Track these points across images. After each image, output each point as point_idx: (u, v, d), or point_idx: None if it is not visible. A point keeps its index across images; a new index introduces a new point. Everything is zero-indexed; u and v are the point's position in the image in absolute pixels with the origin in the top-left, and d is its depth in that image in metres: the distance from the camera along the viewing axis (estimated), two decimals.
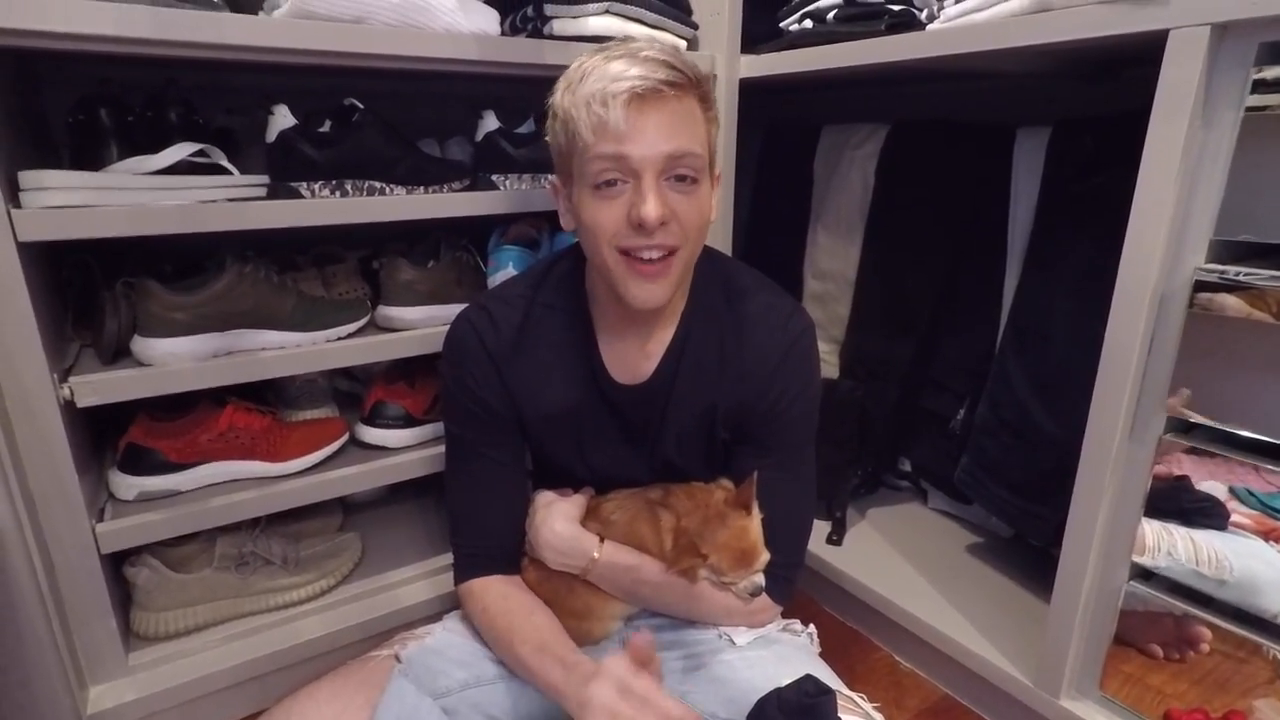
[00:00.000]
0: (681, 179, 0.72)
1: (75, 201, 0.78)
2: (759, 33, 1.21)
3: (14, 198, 0.76)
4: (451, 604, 1.01)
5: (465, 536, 0.89)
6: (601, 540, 0.84)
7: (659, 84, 0.69)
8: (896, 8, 1.01)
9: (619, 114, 0.69)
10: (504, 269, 1.07)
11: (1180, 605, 0.83)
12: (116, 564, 0.95)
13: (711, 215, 0.79)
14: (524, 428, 0.87)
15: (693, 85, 0.72)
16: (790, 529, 0.86)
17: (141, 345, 0.88)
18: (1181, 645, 0.88)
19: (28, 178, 0.76)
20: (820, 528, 1.28)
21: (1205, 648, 0.85)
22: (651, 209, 0.70)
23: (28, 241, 0.75)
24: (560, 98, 0.74)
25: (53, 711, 0.84)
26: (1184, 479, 0.85)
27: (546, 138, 0.79)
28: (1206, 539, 0.84)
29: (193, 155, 0.87)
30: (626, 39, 0.84)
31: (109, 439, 1.01)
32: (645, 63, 0.70)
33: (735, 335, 0.84)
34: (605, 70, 0.70)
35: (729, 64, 1.15)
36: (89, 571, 0.87)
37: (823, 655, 0.87)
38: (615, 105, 0.68)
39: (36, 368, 0.78)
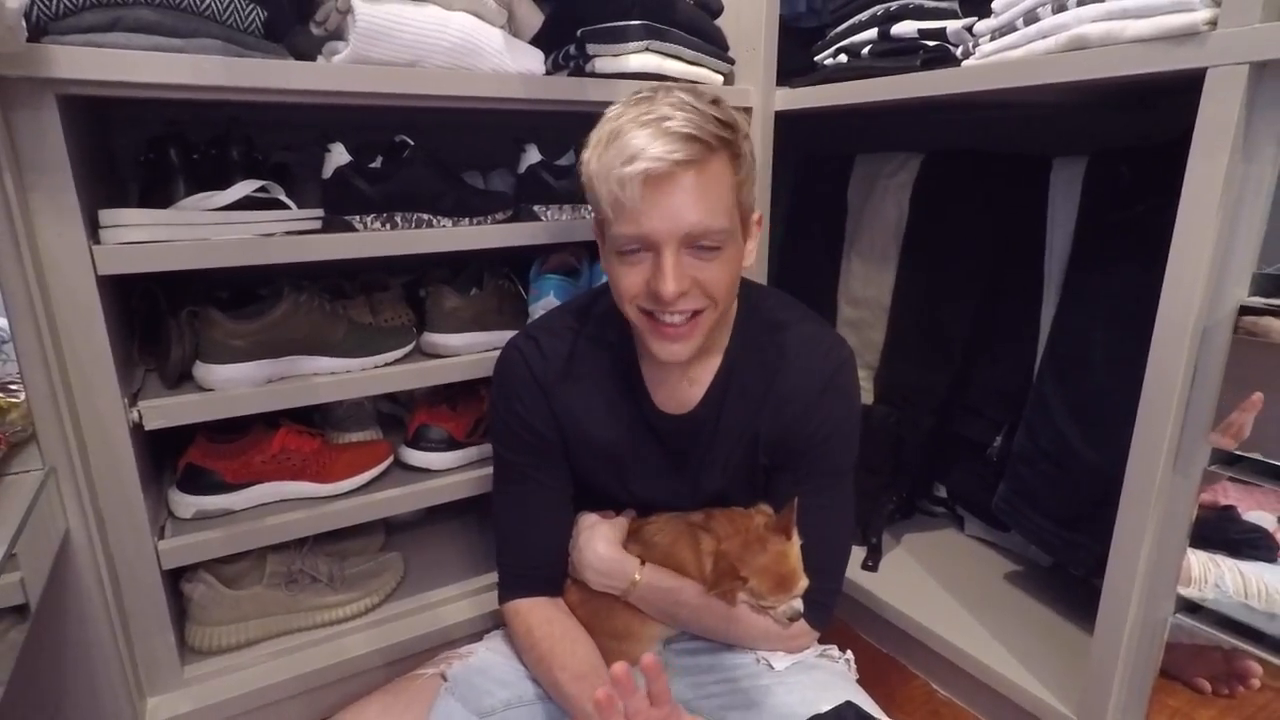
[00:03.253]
0: (705, 247, 0.72)
1: (149, 237, 0.83)
2: (794, 66, 1.24)
3: (94, 234, 0.81)
4: (492, 623, 1.03)
5: (510, 557, 0.91)
6: (643, 562, 0.86)
7: (674, 165, 0.68)
8: (931, 43, 1.03)
9: (635, 195, 0.69)
10: (545, 297, 1.10)
11: (1228, 639, 0.82)
12: (174, 580, 0.99)
13: (746, 263, 0.80)
14: (569, 454, 0.89)
15: (720, 147, 0.71)
16: (829, 555, 0.86)
17: (204, 371, 0.92)
18: (1231, 680, 0.86)
19: (107, 216, 0.81)
20: (856, 553, 1.28)
21: (1256, 683, 0.84)
22: (669, 285, 0.70)
23: (106, 275, 0.80)
24: (588, 156, 0.74)
25: None
26: (1231, 509, 0.84)
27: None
28: (1255, 571, 0.83)
29: (254, 191, 0.92)
30: (667, 87, 0.82)
31: (166, 459, 1.05)
32: (667, 136, 0.68)
33: (778, 365, 0.85)
34: (626, 144, 0.69)
35: (765, 97, 1.18)
36: (151, 586, 0.91)
37: (860, 682, 0.87)
38: (631, 187, 0.68)
39: (109, 392, 0.83)
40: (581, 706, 0.77)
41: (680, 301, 0.73)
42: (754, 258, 0.82)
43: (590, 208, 1.11)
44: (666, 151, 0.68)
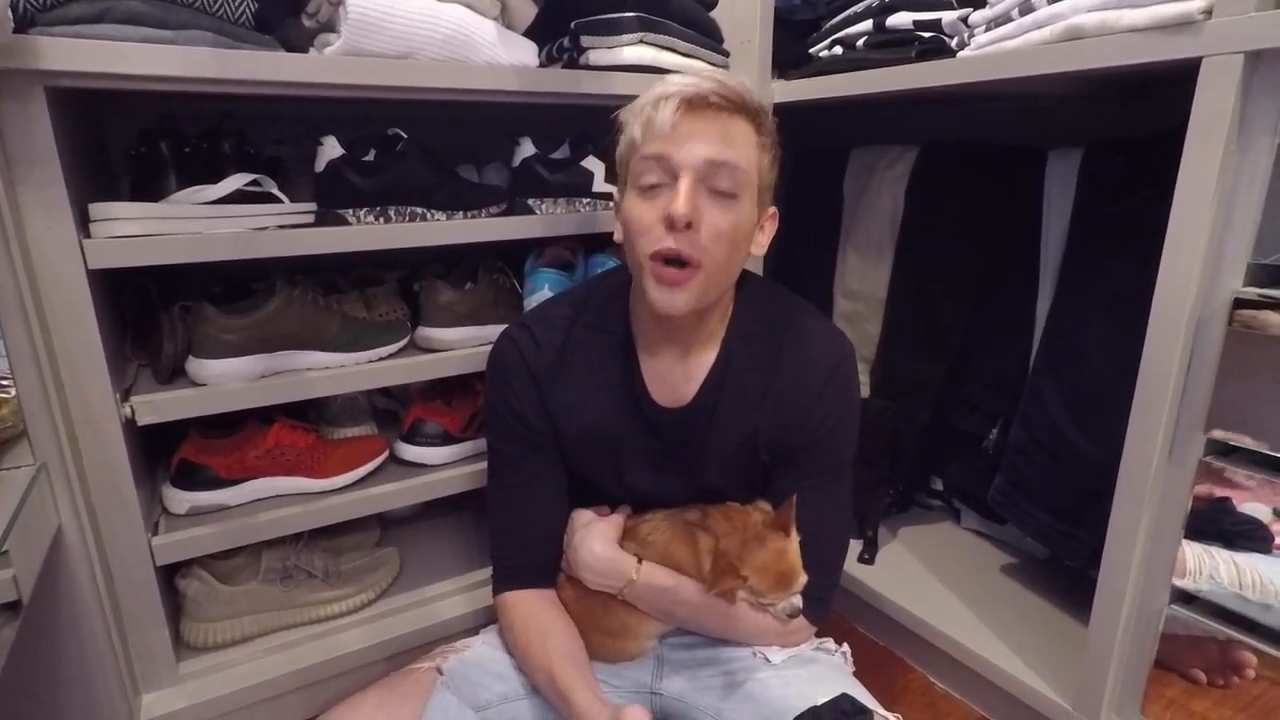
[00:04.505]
0: (720, 193, 0.74)
1: (140, 231, 0.82)
2: (789, 59, 1.24)
3: (84, 228, 0.80)
4: (487, 618, 1.03)
5: (503, 549, 0.91)
6: (639, 561, 0.85)
7: (709, 93, 0.72)
8: (926, 35, 1.02)
9: (667, 115, 0.72)
10: (540, 291, 1.09)
11: (1223, 630, 0.82)
12: (169, 576, 0.98)
13: (756, 251, 0.81)
14: (562, 446, 0.89)
15: (745, 110, 0.75)
16: (827, 551, 0.86)
17: (196, 366, 0.91)
18: (1226, 670, 0.86)
19: (97, 209, 0.80)
20: (852, 547, 1.28)
21: (1251, 673, 0.84)
22: (681, 204, 0.71)
23: (96, 269, 0.80)
24: (624, 111, 0.78)
25: (109, 717, 0.87)
26: (1226, 501, 0.84)
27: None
28: (1250, 562, 0.83)
29: (246, 185, 0.91)
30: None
31: (160, 455, 1.05)
32: (704, 79, 0.74)
33: (777, 360, 0.85)
34: (665, 80, 0.75)
35: (760, 90, 1.18)
36: (144, 582, 0.90)
37: (856, 675, 0.87)
38: (665, 107, 0.72)
39: (101, 388, 0.82)
40: (552, 704, 0.77)
41: (687, 237, 0.73)
42: (762, 250, 0.83)
43: (585, 200, 1.12)
44: (702, 83, 0.73)
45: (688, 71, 1.07)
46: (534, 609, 0.86)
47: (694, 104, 0.73)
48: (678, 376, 0.85)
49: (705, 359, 0.85)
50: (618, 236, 0.82)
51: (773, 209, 0.83)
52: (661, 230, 0.74)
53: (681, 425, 0.86)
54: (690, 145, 0.73)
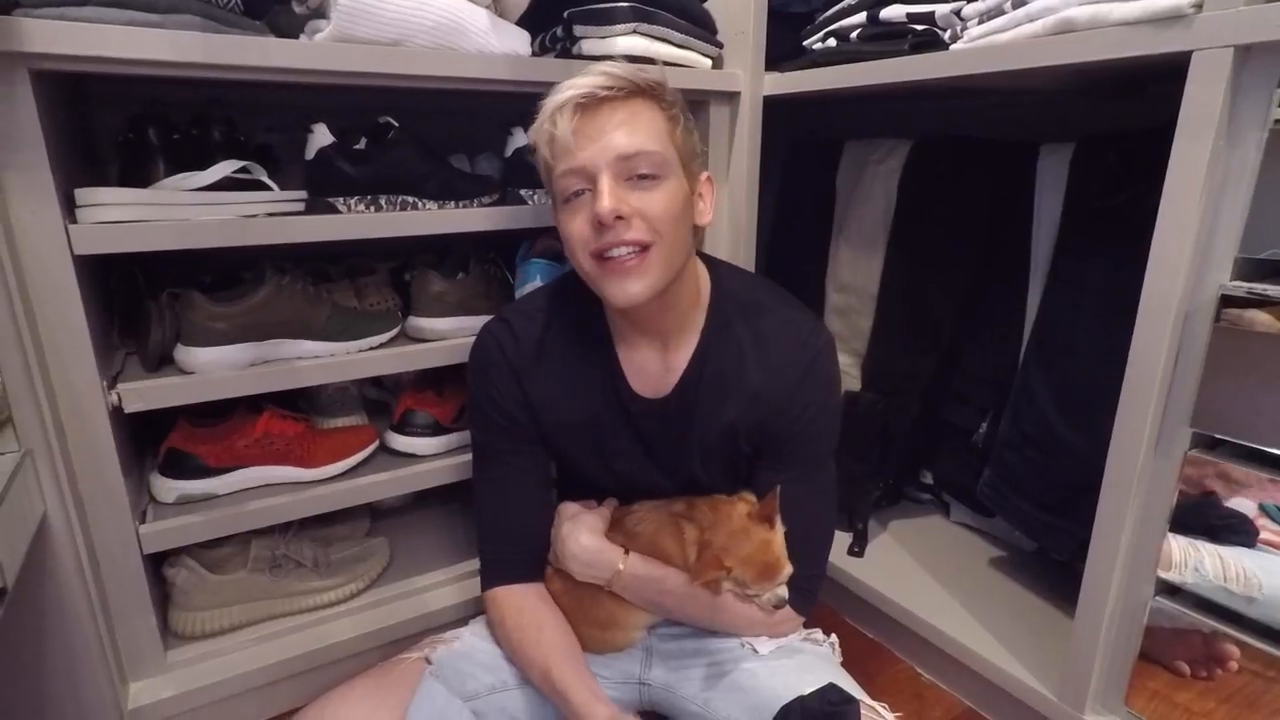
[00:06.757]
0: (643, 177, 0.74)
1: (127, 217, 0.82)
2: (782, 51, 1.23)
3: (70, 214, 0.79)
4: (477, 608, 1.03)
5: (490, 543, 0.91)
6: (626, 552, 0.85)
7: (597, 89, 0.73)
8: (919, 28, 1.02)
9: (566, 124, 0.73)
10: (531, 281, 1.09)
11: (1208, 622, 0.83)
12: (156, 564, 0.98)
13: (702, 220, 0.81)
14: (546, 437, 0.89)
15: (640, 92, 0.75)
16: (812, 541, 0.87)
17: (184, 354, 0.91)
18: (1209, 663, 0.87)
19: (83, 195, 0.80)
20: (842, 539, 1.29)
21: (1234, 666, 0.85)
22: (603, 202, 0.72)
23: (82, 255, 0.79)
24: (530, 134, 0.79)
25: (96, 706, 0.87)
26: (1212, 494, 0.85)
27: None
28: (1235, 555, 0.83)
29: (235, 172, 0.91)
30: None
31: (148, 443, 1.04)
32: (592, 75, 0.74)
33: (755, 351, 0.85)
34: (556, 89, 0.75)
35: (753, 81, 1.17)
36: (132, 571, 0.90)
37: (844, 666, 0.88)
38: (562, 118, 0.73)
39: (87, 375, 0.82)
40: (551, 700, 0.78)
41: (621, 228, 0.73)
42: (709, 217, 0.83)
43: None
44: (591, 83, 0.74)
45: (672, 62, 1.08)
46: (524, 604, 0.87)
47: (587, 104, 0.73)
48: (657, 368, 0.86)
49: (684, 350, 0.85)
50: (566, 249, 0.82)
51: (707, 174, 0.83)
52: (593, 232, 0.74)
53: (662, 416, 0.86)
54: (597, 145, 0.73)
